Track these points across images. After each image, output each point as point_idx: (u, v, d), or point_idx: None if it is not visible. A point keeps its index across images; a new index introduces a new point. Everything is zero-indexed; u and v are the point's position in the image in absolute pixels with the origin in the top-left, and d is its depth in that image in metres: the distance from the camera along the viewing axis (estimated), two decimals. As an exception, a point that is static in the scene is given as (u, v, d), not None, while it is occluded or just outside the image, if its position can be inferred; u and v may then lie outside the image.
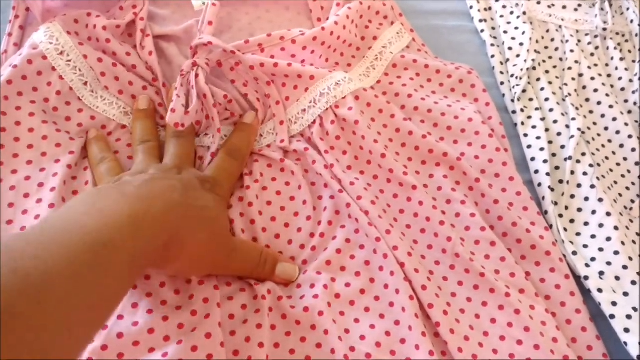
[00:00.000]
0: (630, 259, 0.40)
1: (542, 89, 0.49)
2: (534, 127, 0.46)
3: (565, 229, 0.42)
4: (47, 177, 0.39)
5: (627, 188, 0.46)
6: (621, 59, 0.52)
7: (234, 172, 0.41)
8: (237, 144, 0.41)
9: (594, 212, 0.42)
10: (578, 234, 0.42)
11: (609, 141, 0.48)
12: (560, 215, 0.42)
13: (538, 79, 0.50)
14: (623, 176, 0.46)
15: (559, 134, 0.46)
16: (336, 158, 0.42)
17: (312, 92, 0.44)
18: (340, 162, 0.42)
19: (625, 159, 0.47)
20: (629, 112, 0.50)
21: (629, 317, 0.37)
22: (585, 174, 0.43)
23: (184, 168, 0.38)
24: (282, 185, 0.42)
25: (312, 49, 0.44)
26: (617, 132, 0.48)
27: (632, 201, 0.45)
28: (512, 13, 0.54)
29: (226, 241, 0.36)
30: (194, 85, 0.40)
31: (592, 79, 0.50)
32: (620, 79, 0.52)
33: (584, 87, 0.50)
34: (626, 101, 0.50)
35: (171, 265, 0.33)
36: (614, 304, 0.37)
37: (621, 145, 0.48)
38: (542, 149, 0.45)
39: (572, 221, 0.43)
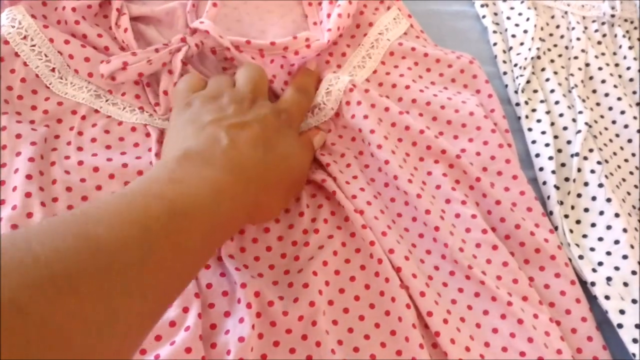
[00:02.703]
0: (640, 263, 0.37)
1: (548, 79, 0.46)
2: (538, 120, 0.44)
3: (572, 231, 0.39)
4: (8, 174, 0.36)
5: (636, 186, 0.43)
6: (630, 48, 0.50)
7: (304, 106, 0.40)
8: (304, 81, 0.41)
9: (601, 212, 0.40)
10: (585, 236, 0.39)
11: (617, 135, 0.45)
12: (566, 216, 0.40)
13: (543, 69, 0.47)
14: (631, 173, 0.44)
15: (565, 128, 0.44)
16: (333, 159, 0.40)
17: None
18: (337, 164, 0.40)
19: (633, 154, 0.45)
20: (638, 104, 0.47)
21: (637, 326, 0.35)
22: (593, 171, 0.41)
23: (258, 96, 0.36)
24: None
25: (310, 56, 0.42)
26: (626, 126, 0.45)
27: (641, 200, 0.42)
28: (515, -3, 0.51)
29: (303, 178, 0.38)
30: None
31: (600, 69, 0.48)
32: (628, 68, 0.49)
33: (591, 78, 0.48)
34: (634, 92, 0.48)
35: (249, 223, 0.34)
36: (622, 312, 0.35)
37: (629, 140, 0.45)
38: (547, 145, 0.42)
39: (578, 222, 0.40)
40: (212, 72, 0.42)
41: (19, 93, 0.39)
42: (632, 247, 0.38)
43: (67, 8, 0.40)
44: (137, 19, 0.44)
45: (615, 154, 0.44)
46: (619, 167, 0.44)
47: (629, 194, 0.43)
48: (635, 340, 0.34)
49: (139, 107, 0.40)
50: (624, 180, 0.43)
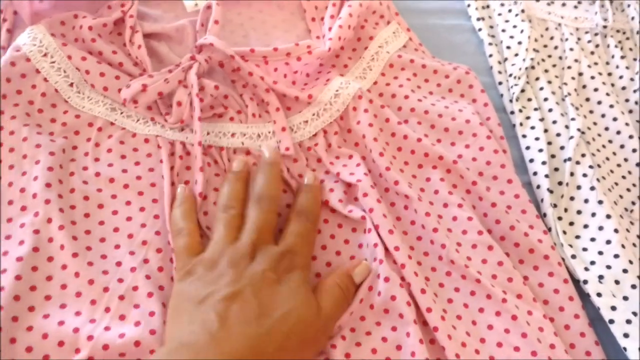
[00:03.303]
0: (631, 262, 0.39)
1: (541, 88, 0.48)
2: (532, 127, 0.46)
3: (565, 232, 0.41)
4: (28, 181, 0.38)
5: (628, 190, 0.45)
6: (622, 57, 0.52)
7: (310, 235, 0.38)
8: (305, 204, 0.38)
9: (593, 214, 0.41)
10: (577, 237, 0.41)
11: (610, 142, 0.47)
12: (560, 218, 0.42)
13: (537, 78, 0.49)
14: (624, 177, 0.45)
15: (558, 134, 0.45)
16: (343, 164, 0.42)
17: (315, 106, 0.44)
18: (347, 167, 0.42)
19: (626, 159, 0.46)
20: (630, 111, 0.49)
21: (628, 322, 0.36)
22: (585, 175, 0.43)
23: (260, 246, 0.35)
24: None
25: (312, 62, 0.44)
26: (618, 132, 0.47)
27: (633, 203, 0.44)
28: (510, 11, 0.54)
29: (318, 326, 0.34)
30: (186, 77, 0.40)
31: (592, 77, 0.50)
32: (621, 77, 0.51)
33: (584, 86, 0.50)
34: (627, 100, 0.50)
35: None
36: (614, 308, 0.37)
37: (622, 146, 0.47)
38: (540, 150, 0.44)
39: (571, 224, 0.42)
40: (222, 83, 0.44)
41: (39, 107, 0.41)
42: (623, 246, 0.39)
43: (84, 27, 0.43)
44: (149, 35, 0.46)
45: (608, 159, 0.46)
46: (611, 171, 0.45)
47: (621, 197, 0.44)
48: (626, 335, 0.36)
49: (151, 118, 0.42)
50: (616, 184, 0.45)
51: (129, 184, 0.40)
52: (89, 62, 0.43)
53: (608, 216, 0.41)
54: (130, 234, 0.38)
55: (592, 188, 0.42)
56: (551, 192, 0.43)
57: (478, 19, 0.53)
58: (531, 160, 0.44)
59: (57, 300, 0.35)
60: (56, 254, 0.36)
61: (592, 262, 0.39)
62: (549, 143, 0.45)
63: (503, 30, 0.52)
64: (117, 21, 0.45)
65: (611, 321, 0.36)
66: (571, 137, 0.44)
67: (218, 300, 0.32)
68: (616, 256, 0.39)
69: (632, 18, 0.54)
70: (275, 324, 0.31)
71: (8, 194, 0.38)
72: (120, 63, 0.43)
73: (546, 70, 0.50)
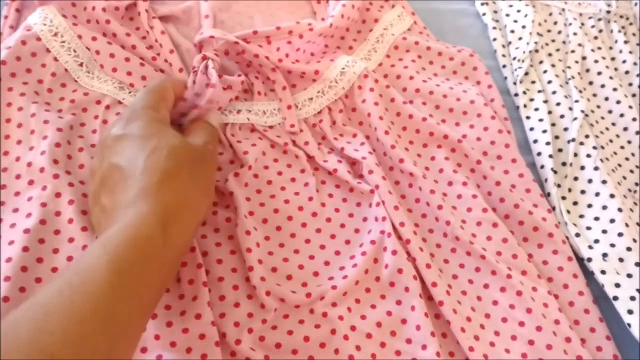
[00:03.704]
0: (635, 240, 0.39)
1: (545, 71, 0.48)
2: (536, 109, 0.46)
3: (569, 211, 0.41)
4: (35, 155, 0.38)
5: (631, 171, 0.45)
6: (625, 42, 0.52)
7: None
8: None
9: (597, 194, 0.41)
10: (581, 216, 0.41)
11: (613, 124, 0.47)
12: (564, 198, 0.42)
13: (541, 62, 0.49)
14: (627, 159, 0.46)
15: (562, 116, 0.46)
16: (347, 141, 0.42)
17: (320, 84, 0.44)
18: (351, 144, 0.42)
19: (629, 141, 0.46)
20: (633, 95, 0.49)
21: (632, 298, 0.36)
22: (588, 155, 0.43)
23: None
24: (283, 166, 0.41)
25: (315, 41, 0.44)
26: (621, 115, 0.47)
27: (637, 184, 0.44)
28: (514, -4, 0.54)
29: (191, 151, 0.34)
30: (210, 76, 0.40)
31: (596, 61, 0.50)
32: (624, 62, 0.51)
33: (587, 70, 0.50)
34: (630, 84, 0.50)
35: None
36: (618, 285, 0.37)
37: (625, 128, 0.47)
38: (544, 131, 0.44)
39: (575, 203, 0.42)
40: (234, 70, 0.44)
41: (48, 86, 0.42)
42: (627, 225, 0.40)
43: (97, 8, 0.43)
44: (158, 18, 0.46)
45: (611, 141, 0.46)
46: (615, 153, 0.46)
47: (624, 178, 0.44)
48: (630, 312, 0.36)
49: None
50: (619, 165, 0.45)
51: None
52: (99, 43, 0.43)
53: (612, 195, 0.41)
54: (136, 208, 0.38)
55: (596, 168, 0.42)
56: (555, 172, 0.43)
57: (482, 4, 0.54)
58: (535, 141, 0.44)
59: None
60: (63, 228, 0.36)
61: (596, 241, 0.40)
62: (553, 124, 0.45)
63: (507, 15, 0.52)
64: (128, 6, 0.46)
65: (615, 298, 0.37)
66: (575, 119, 0.45)
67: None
68: (620, 234, 0.39)
69: (635, 3, 0.54)
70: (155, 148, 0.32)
71: (16, 168, 0.38)
72: (133, 45, 0.43)
73: (550, 54, 0.50)
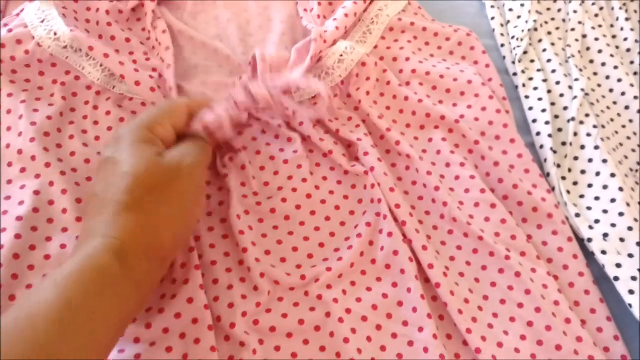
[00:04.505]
0: (636, 220, 0.38)
1: (544, 50, 0.47)
2: (535, 88, 0.45)
3: (568, 191, 0.40)
4: (24, 142, 0.38)
5: (633, 150, 0.44)
6: (626, 19, 0.51)
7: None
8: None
9: (597, 173, 0.41)
10: (581, 196, 0.41)
11: (614, 103, 0.46)
12: (563, 178, 0.41)
13: (540, 40, 0.48)
14: (628, 138, 0.45)
15: (561, 94, 0.45)
16: (342, 123, 0.42)
17: (317, 69, 0.43)
18: (346, 126, 0.41)
19: (630, 120, 0.46)
20: (635, 73, 0.48)
21: (633, 278, 0.36)
22: (588, 134, 0.42)
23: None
24: (276, 150, 0.41)
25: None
26: (622, 94, 0.46)
27: (638, 163, 0.43)
28: (512, -27, 0.53)
29: (161, 171, 0.32)
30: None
31: (596, 39, 0.49)
32: (625, 39, 0.50)
33: (588, 48, 0.49)
34: (632, 62, 0.49)
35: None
36: (618, 265, 0.36)
37: (626, 107, 0.46)
38: (543, 110, 0.43)
39: (575, 183, 0.41)
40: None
41: (39, 70, 0.41)
42: (627, 204, 0.39)
43: (101, 10, 0.43)
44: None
45: (612, 120, 0.45)
46: (616, 132, 0.45)
47: (626, 157, 0.44)
48: (631, 292, 0.35)
49: (150, 88, 0.42)
50: (621, 144, 0.44)
51: None
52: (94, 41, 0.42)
53: (612, 175, 0.40)
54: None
55: (596, 147, 0.41)
56: (554, 151, 0.42)
57: (480, -17, 0.53)
58: (534, 120, 0.43)
59: (56, 259, 0.35)
60: (57, 217, 0.36)
61: (597, 221, 0.39)
62: (552, 104, 0.44)
63: (505, -7, 0.51)
64: (135, 7, 0.45)
65: (616, 278, 0.36)
66: (574, 97, 0.44)
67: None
68: (621, 214, 0.39)
69: (637, -20, 0.53)
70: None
71: (7, 155, 0.38)
72: (130, 52, 0.43)
73: (549, 32, 0.49)
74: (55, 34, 0.42)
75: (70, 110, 0.40)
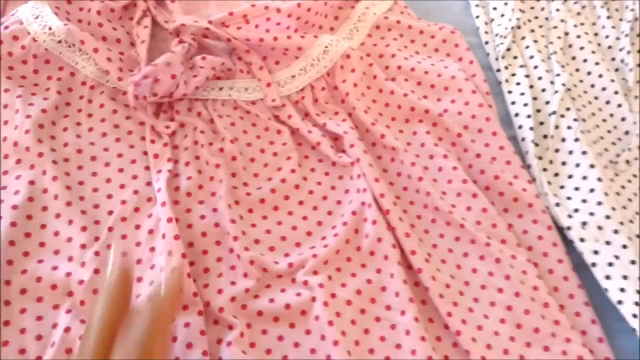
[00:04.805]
0: (614, 209, 0.39)
1: (527, 46, 0.49)
2: (518, 83, 0.46)
3: (550, 183, 0.42)
4: (20, 134, 0.39)
5: (613, 143, 0.45)
6: (608, 17, 0.52)
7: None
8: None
9: (577, 164, 0.42)
10: (562, 187, 0.42)
11: (596, 98, 0.48)
12: (545, 170, 0.42)
13: (523, 38, 0.49)
14: (609, 131, 0.46)
15: (543, 90, 0.46)
16: (329, 117, 0.43)
17: (302, 61, 0.44)
18: (333, 120, 0.42)
19: (611, 115, 0.47)
20: (616, 70, 0.50)
21: (610, 264, 0.37)
22: (569, 127, 0.43)
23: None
24: (266, 143, 0.42)
25: (297, 16, 0.44)
26: (603, 89, 0.48)
27: (618, 155, 0.44)
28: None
29: None
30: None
31: (578, 37, 0.50)
32: (607, 37, 0.51)
33: (570, 46, 0.50)
34: (613, 59, 0.50)
35: None
36: (596, 252, 0.37)
37: (607, 102, 0.47)
38: (525, 105, 0.45)
39: (556, 175, 0.42)
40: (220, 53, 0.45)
41: (34, 67, 0.42)
42: (606, 194, 0.40)
43: (93, 10, 0.44)
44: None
45: (593, 114, 0.47)
46: (597, 126, 0.46)
47: (606, 150, 0.45)
48: (608, 277, 0.36)
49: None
50: (601, 138, 0.45)
51: (120, 137, 0.41)
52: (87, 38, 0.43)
53: (592, 166, 0.41)
54: (121, 184, 0.39)
55: (577, 139, 0.43)
56: (536, 144, 0.43)
57: (465, -18, 0.54)
58: (516, 115, 0.45)
59: (51, 246, 0.36)
60: (50, 204, 0.37)
61: (576, 210, 0.40)
62: (535, 98, 0.46)
63: (490, -7, 0.53)
64: (127, 5, 0.46)
65: (594, 264, 0.37)
66: (556, 92, 0.45)
67: None
68: (599, 203, 0.40)
69: (619, -21, 0.54)
70: None
71: (4, 148, 0.39)
72: (121, 52, 0.44)
73: (532, 30, 0.51)
74: (50, 28, 0.43)
75: (65, 104, 0.42)
